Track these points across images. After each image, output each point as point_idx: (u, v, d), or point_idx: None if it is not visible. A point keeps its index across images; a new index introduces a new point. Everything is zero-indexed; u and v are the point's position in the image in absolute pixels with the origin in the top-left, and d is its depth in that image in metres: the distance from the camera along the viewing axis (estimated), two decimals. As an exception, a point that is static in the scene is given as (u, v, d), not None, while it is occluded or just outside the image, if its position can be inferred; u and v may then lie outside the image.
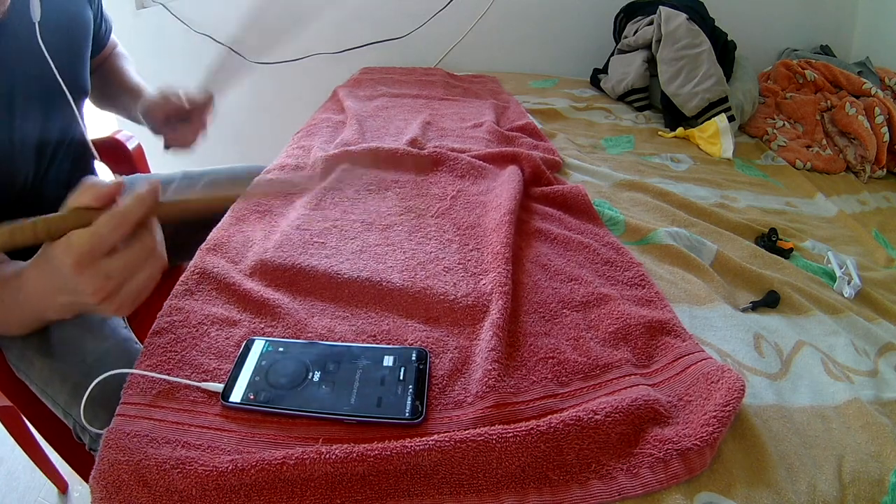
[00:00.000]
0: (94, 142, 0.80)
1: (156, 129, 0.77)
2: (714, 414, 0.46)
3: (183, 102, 0.74)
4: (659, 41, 1.33)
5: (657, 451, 0.43)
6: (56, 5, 0.66)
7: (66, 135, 0.73)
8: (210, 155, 1.74)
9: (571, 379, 0.51)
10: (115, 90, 0.86)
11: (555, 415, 0.45)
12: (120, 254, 0.41)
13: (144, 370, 0.48)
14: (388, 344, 0.53)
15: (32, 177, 0.69)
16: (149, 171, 1.05)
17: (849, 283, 0.75)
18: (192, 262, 0.62)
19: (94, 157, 0.81)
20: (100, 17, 0.82)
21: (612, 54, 1.57)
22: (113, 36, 0.88)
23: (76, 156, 0.77)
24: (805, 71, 1.44)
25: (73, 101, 0.71)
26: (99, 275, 0.40)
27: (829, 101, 1.34)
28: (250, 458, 0.40)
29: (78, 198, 0.41)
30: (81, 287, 0.41)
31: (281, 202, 0.77)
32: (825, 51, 1.66)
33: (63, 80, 0.67)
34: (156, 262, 0.44)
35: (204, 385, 0.47)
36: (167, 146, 0.78)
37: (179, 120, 0.76)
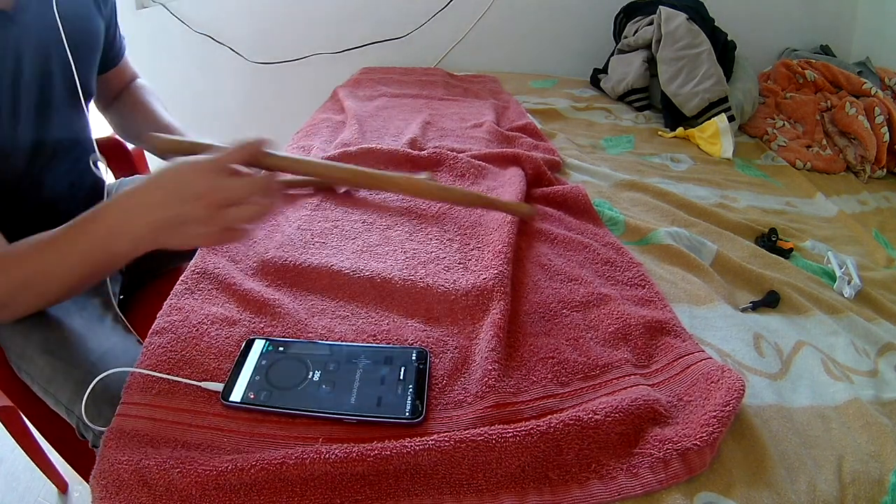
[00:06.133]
0: (94, 141, 0.80)
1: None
2: (714, 414, 0.46)
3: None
4: (659, 41, 1.33)
5: (657, 451, 0.43)
6: (65, 9, 0.67)
7: (68, 133, 0.73)
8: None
9: (571, 379, 0.51)
10: (144, 128, 0.82)
11: (555, 415, 0.45)
12: (239, 177, 0.48)
13: (145, 369, 0.48)
14: (389, 344, 0.53)
15: (35, 172, 0.69)
16: (149, 172, 1.05)
17: (849, 283, 0.75)
18: (192, 262, 0.62)
19: (97, 157, 0.80)
20: (114, 28, 0.81)
21: (612, 54, 1.57)
22: (131, 63, 0.87)
23: (78, 154, 0.77)
24: (805, 71, 1.44)
25: (77, 101, 0.71)
26: (216, 182, 0.47)
27: (829, 101, 1.34)
28: (250, 457, 0.40)
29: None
30: (196, 188, 0.46)
31: (281, 202, 0.77)
32: (825, 51, 1.66)
33: (69, 79, 0.68)
34: (266, 201, 0.50)
35: (204, 384, 0.47)
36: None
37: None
